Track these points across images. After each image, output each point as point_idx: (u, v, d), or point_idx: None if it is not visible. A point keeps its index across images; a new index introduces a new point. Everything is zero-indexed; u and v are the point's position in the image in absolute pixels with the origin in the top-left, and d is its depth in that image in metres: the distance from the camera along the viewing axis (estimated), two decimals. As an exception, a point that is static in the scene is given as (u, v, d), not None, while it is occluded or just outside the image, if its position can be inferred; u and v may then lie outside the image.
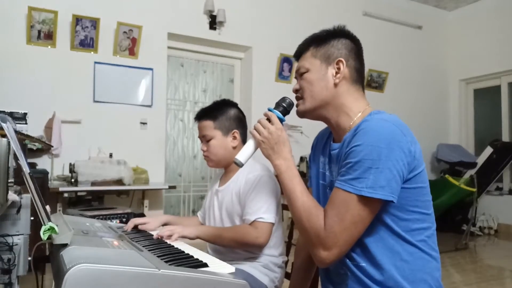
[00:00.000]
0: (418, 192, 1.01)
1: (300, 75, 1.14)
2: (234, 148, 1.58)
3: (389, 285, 0.99)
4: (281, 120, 1.14)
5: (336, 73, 1.09)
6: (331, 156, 1.13)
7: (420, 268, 1.02)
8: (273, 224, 1.44)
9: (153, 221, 1.45)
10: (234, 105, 1.66)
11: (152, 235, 1.31)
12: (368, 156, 0.94)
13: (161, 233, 1.29)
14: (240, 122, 1.62)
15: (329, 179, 1.13)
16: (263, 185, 1.47)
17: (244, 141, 1.62)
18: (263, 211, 1.42)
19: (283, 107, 1.16)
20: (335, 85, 1.09)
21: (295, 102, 1.18)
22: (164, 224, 1.55)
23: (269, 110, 1.16)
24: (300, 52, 1.17)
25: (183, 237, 1.34)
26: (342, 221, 0.95)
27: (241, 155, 1.15)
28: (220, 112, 1.59)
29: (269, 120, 1.13)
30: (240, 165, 1.16)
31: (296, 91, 1.16)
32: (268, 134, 1.10)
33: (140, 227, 1.43)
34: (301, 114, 1.16)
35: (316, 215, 1.00)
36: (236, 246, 1.45)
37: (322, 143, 1.21)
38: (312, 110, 1.13)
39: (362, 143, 0.95)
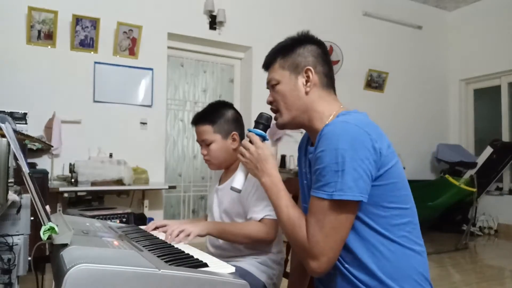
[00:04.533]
0: (391, 188, 1.01)
1: (271, 86, 1.17)
2: (234, 150, 1.58)
3: (373, 284, 1.00)
4: (263, 137, 1.17)
5: (306, 81, 1.11)
6: (309, 160, 1.15)
7: (403, 265, 1.02)
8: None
9: (172, 225, 1.44)
10: (230, 106, 1.65)
11: (152, 235, 1.31)
12: (333, 160, 0.95)
13: (170, 233, 1.29)
14: (238, 123, 1.62)
15: (310, 180, 1.14)
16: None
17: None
18: (269, 208, 1.44)
19: (263, 124, 1.19)
20: (307, 93, 1.11)
21: (272, 114, 1.20)
22: None
23: (249, 130, 1.19)
24: (268, 64, 1.18)
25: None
26: (322, 229, 0.96)
27: (236, 182, 1.19)
28: (218, 115, 1.59)
29: (251, 141, 1.16)
30: (238, 192, 1.20)
31: (270, 103, 1.19)
32: (250, 155, 1.14)
33: (159, 230, 1.43)
34: (281, 127, 1.18)
35: (299, 226, 1.01)
36: (248, 242, 1.46)
37: (304, 145, 1.23)
38: (290, 121, 1.15)
39: (326, 148, 0.97)
